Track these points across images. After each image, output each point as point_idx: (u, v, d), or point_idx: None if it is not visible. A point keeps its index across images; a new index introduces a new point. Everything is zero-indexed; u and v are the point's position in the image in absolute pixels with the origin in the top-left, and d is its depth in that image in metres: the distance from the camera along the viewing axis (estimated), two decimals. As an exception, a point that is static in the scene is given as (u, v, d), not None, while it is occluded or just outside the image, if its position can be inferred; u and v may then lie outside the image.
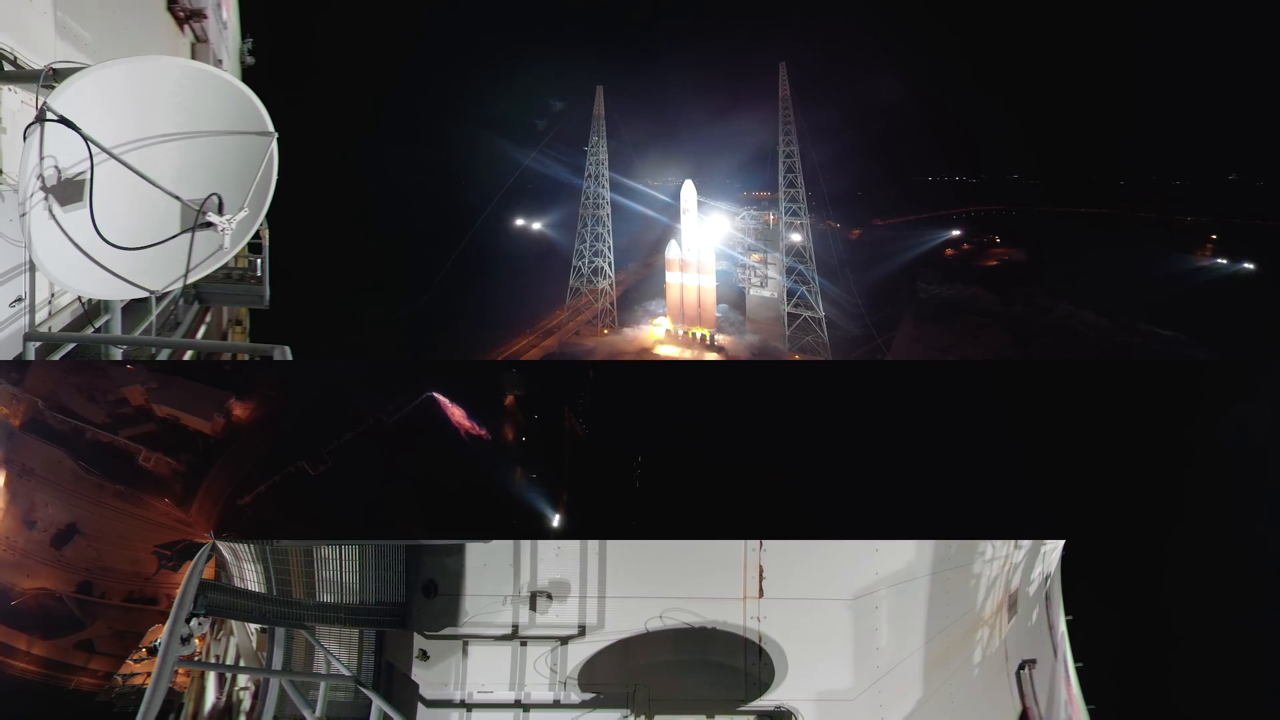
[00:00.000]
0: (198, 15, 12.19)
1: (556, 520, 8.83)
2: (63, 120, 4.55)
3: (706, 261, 55.57)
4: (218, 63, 14.25)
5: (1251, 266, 59.57)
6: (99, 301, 7.32)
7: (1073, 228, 69.35)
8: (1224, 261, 61.23)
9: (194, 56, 12.53)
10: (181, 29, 11.84)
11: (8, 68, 5.53)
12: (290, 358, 5.30)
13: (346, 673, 8.44)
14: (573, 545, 8.29)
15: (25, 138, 4.58)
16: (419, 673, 8.36)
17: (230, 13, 16.76)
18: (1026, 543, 9.77)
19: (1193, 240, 63.74)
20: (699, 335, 54.99)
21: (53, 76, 4.89)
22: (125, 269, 5.07)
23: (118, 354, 7.98)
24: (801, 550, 8.45)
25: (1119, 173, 67.64)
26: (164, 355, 8.95)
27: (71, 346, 6.81)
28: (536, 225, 72.37)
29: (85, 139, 4.64)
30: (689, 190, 54.76)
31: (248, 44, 18.57)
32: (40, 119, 4.51)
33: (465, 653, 8.30)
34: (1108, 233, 68.73)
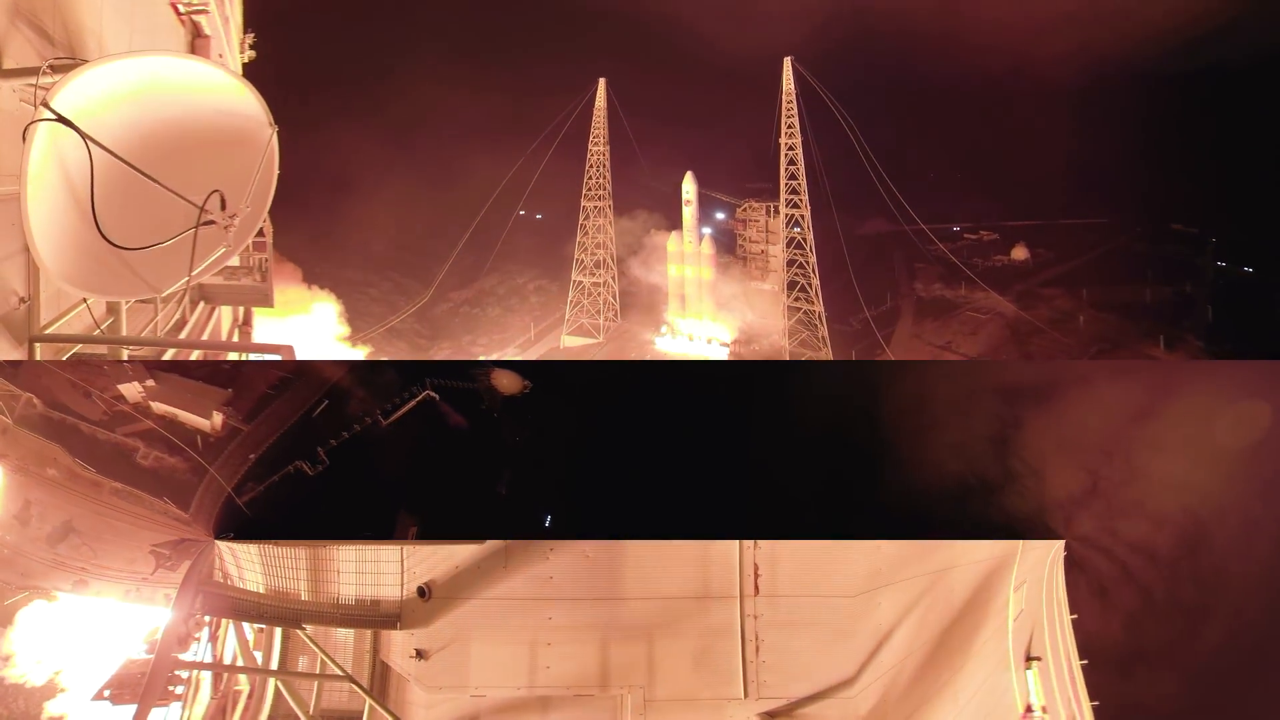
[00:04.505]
0: (198, 10, 12.12)
1: (550, 520, 8.82)
2: (62, 119, 4.52)
3: (707, 254, 55.50)
4: (218, 58, 14.19)
5: (1250, 270, 59.62)
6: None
7: (1073, 227, 69.47)
8: (1223, 264, 61.23)
9: (194, 52, 12.47)
10: (181, 24, 11.77)
11: (6, 65, 5.49)
12: (290, 358, 5.29)
13: (342, 673, 8.44)
14: (570, 545, 8.28)
15: (25, 137, 4.54)
16: (414, 673, 8.35)
17: (231, 8, 16.71)
18: (1026, 542, 9.78)
19: (1193, 242, 63.75)
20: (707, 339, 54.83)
21: (51, 74, 4.85)
22: (129, 269, 5.04)
23: (125, 355, 7.96)
24: (801, 550, 8.45)
25: (1119, 173, 67.75)
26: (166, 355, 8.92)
27: (77, 347, 6.77)
28: (538, 218, 72.25)
29: (85, 138, 4.60)
30: (690, 183, 54.63)
31: (248, 39, 18.54)
32: (39, 118, 4.48)
33: (460, 653, 8.30)
34: (1107, 233, 68.86)
